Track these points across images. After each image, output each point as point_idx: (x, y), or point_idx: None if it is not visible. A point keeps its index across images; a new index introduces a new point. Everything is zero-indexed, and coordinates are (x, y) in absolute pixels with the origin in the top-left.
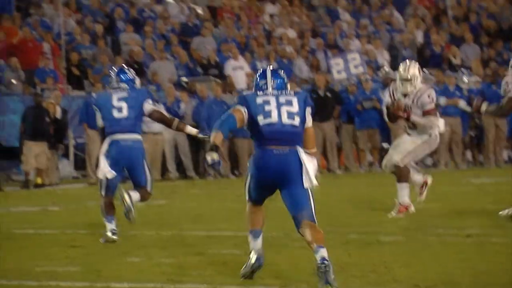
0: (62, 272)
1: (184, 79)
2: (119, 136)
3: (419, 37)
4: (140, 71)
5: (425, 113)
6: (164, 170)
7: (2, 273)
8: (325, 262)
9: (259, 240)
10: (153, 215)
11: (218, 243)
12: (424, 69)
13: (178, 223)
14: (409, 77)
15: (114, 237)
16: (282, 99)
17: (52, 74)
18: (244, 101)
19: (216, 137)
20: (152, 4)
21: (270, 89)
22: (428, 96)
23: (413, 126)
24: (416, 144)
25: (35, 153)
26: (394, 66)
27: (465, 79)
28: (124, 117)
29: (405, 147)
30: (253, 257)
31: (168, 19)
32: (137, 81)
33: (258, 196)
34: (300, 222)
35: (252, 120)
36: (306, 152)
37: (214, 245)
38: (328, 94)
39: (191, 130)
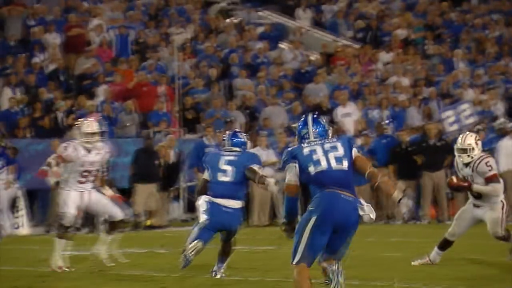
0: None
1: (295, 125)
2: (220, 201)
3: None
4: (252, 116)
5: (487, 180)
6: (272, 215)
7: None
8: (338, 264)
9: None
10: (259, 260)
11: None
12: None
13: (284, 269)
14: (465, 147)
15: (191, 244)
16: (327, 146)
17: (165, 117)
18: (292, 156)
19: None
20: (266, 50)
21: (311, 137)
22: (487, 164)
23: (479, 196)
24: (498, 212)
25: (145, 195)
26: (510, 117)
27: None
28: (228, 181)
29: (492, 218)
30: None
31: (281, 65)
32: (248, 144)
33: (317, 245)
34: (329, 258)
35: (304, 172)
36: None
37: None
38: (439, 144)
39: (269, 181)
